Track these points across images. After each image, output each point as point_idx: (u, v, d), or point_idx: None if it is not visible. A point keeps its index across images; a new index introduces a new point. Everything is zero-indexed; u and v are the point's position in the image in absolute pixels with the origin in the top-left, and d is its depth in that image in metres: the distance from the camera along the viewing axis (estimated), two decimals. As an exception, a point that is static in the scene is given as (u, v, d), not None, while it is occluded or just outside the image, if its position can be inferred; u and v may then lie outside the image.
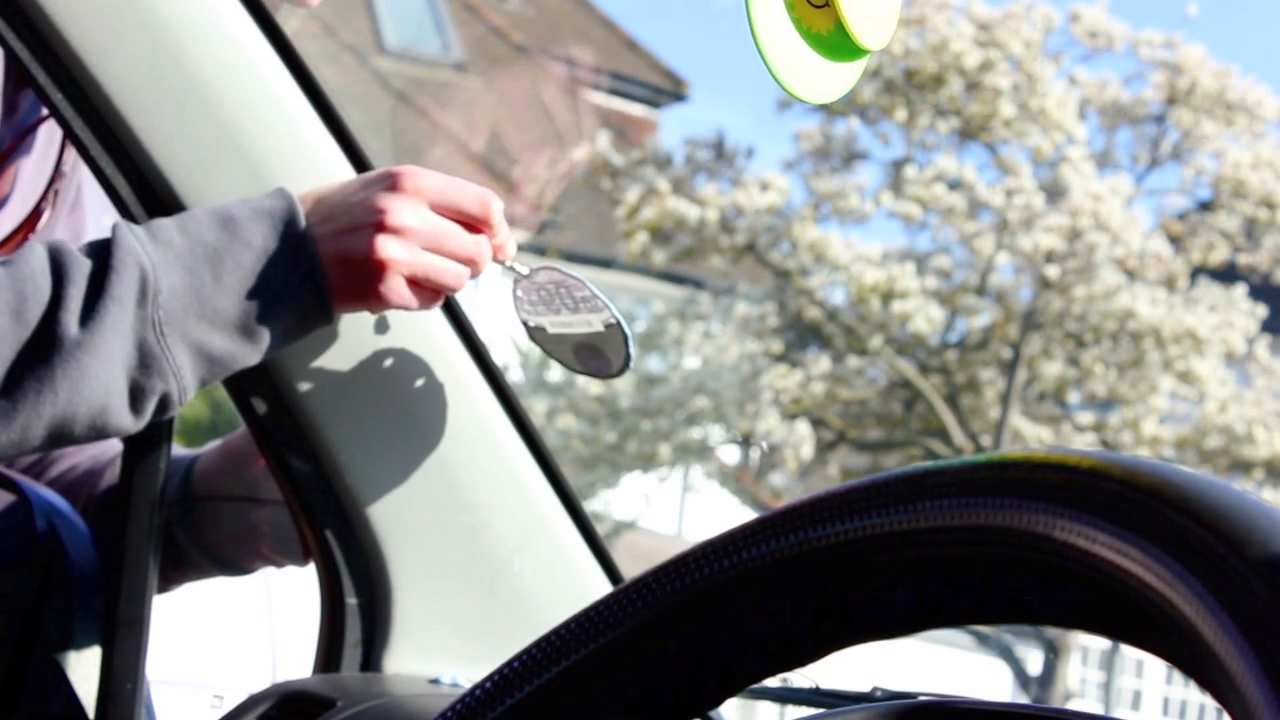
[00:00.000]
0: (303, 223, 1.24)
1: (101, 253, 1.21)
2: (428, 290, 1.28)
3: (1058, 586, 0.70)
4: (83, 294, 1.19)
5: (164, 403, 1.24)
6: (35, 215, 1.42)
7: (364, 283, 1.26)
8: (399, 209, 1.24)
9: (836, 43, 1.12)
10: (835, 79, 1.13)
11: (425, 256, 1.26)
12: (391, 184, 1.25)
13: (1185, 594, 0.61)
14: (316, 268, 1.24)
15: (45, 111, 1.37)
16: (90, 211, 1.53)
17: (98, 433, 1.23)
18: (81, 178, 1.49)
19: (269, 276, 1.23)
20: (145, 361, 1.21)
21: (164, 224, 1.24)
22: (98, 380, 1.19)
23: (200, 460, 1.53)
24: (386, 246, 1.24)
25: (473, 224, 1.28)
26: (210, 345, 1.23)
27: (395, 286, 1.26)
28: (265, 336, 1.24)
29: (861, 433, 16.52)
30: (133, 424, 1.24)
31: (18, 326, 1.18)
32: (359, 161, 1.35)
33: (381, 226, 1.24)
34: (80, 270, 1.20)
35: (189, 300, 1.21)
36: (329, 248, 1.25)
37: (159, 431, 1.31)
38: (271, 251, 1.23)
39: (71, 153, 1.43)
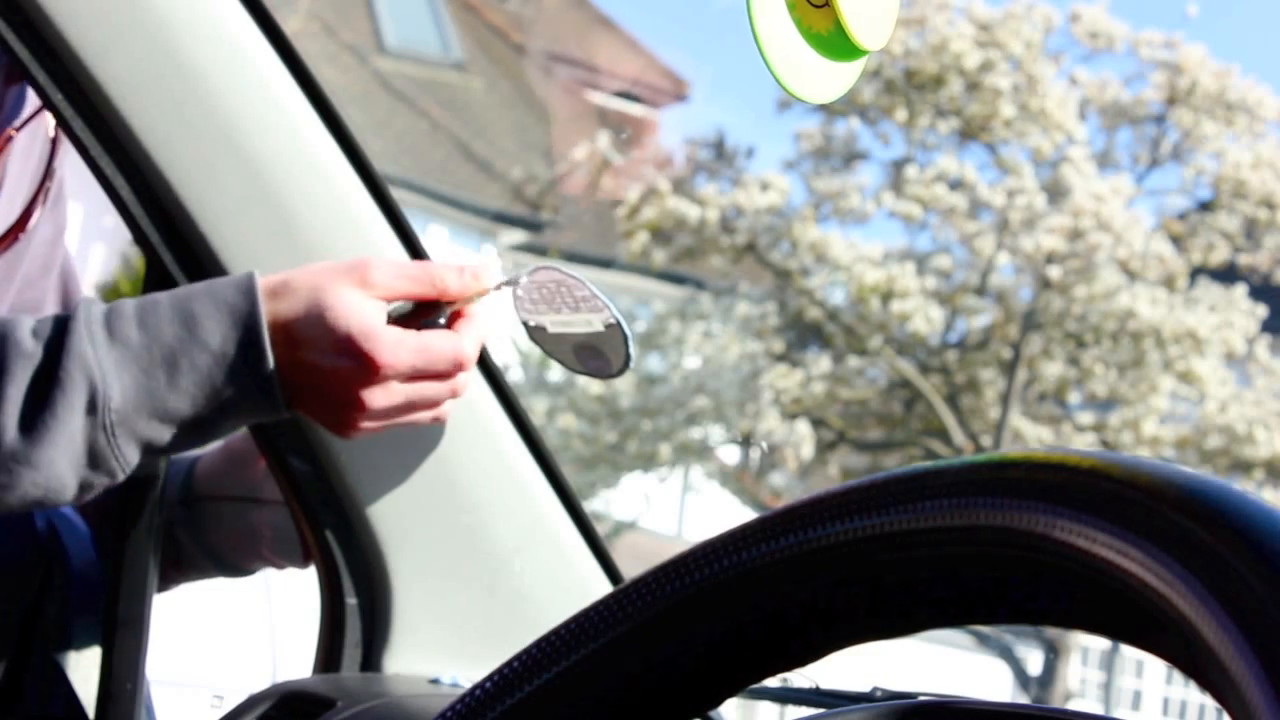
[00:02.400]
0: (263, 327, 1.20)
1: (52, 349, 1.19)
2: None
3: (1058, 586, 0.70)
4: (23, 396, 1.17)
5: (110, 483, 1.23)
6: (26, 215, 1.41)
7: (334, 430, 1.27)
8: (373, 398, 1.23)
9: (836, 43, 1.12)
10: (835, 79, 1.13)
11: (400, 418, 1.26)
12: (364, 370, 1.22)
13: (1185, 594, 0.61)
14: (271, 379, 1.21)
15: (29, 111, 1.36)
16: (69, 205, 1.51)
17: (38, 509, 1.24)
18: (64, 172, 1.47)
19: (224, 381, 1.20)
20: (94, 461, 1.20)
21: (125, 315, 1.21)
22: (35, 485, 1.18)
23: (201, 461, 1.53)
24: (362, 424, 1.25)
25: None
26: (160, 440, 1.21)
27: (363, 437, 1.28)
28: (217, 433, 1.23)
29: (861, 433, 16.53)
30: (74, 503, 1.24)
31: None
32: (359, 161, 1.35)
33: (357, 412, 1.23)
34: (24, 367, 1.18)
35: (141, 400, 1.19)
36: (300, 393, 1.23)
37: (159, 431, 1.31)
38: (230, 356, 1.20)
39: (60, 152, 1.42)
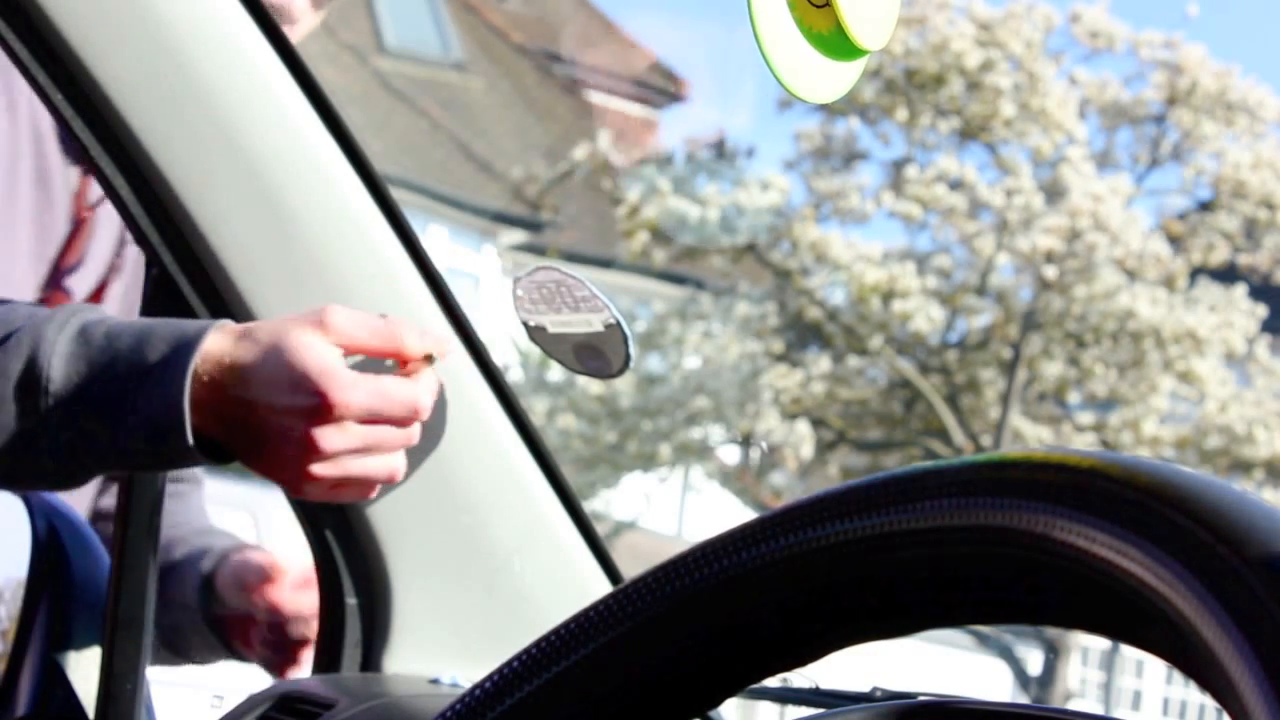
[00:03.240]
0: (193, 355, 1.19)
1: (25, 325, 1.21)
2: (355, 488, 1.26)
3: (1058, 586, 0.70)
4: None
5: (38, 478, 1.23)
6: (102, 286, 1.46)
7: (286, 482, 1.24)
8: (327, 438, 1.20)
9: (836, 42, 1.12)
10: (836, 78, 1.13)
11: (353, 468, 1.23)
12: (318, 408, 1.19)
13: (1185, 594, 0.61)
14: (179, 400, 1.18)
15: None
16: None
17: None
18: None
19: (143, 392, 1.19)
20: (24, 443, 1.20)
21: (106, 322, 1.22)
22: None
23: (221, 573, 1.57)
24: (314, 469, 1.21)
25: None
26: (87, 442, 1.20)
27: (317, 494, 1.24)
28: (132, 451, 1.21)
29: (861, 433, 16.53)
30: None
31: None
32: (359, 161, 1.35)
33: (309, 453, 1.20)
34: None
35: (79, 395, 1.19)
36: (251, 436, 1.21)
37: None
38: (155, 372, 1.19)
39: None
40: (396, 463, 1.25)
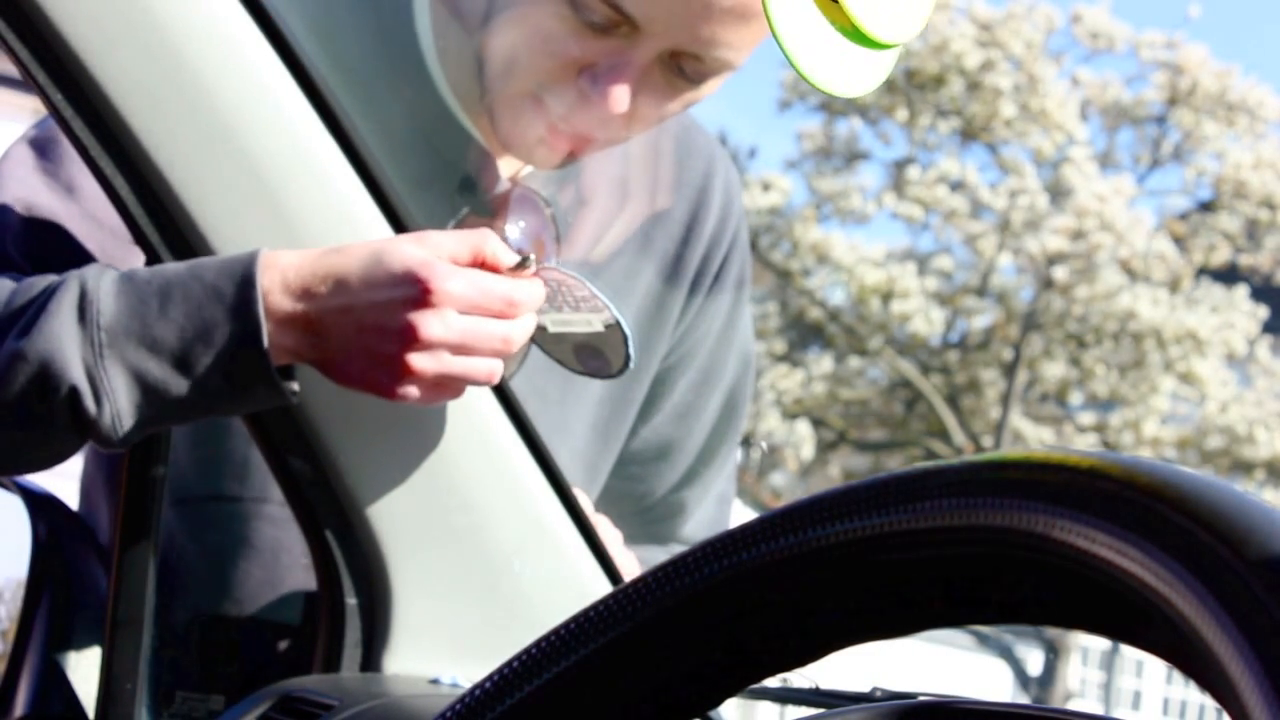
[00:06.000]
0: (258, 267, 1.21)
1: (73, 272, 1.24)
2: (451, 389, 1.28)
3: (1058, 586, 0.70)
4: (29, 302, 1.21)
5: (97, 428, 1.22)
6: None
7: (382, 384, 1.25)
8: (428, 324, 1.22)
9: (861, 34, 1.11)
10: (866, 69, 1.12)
11: (453, 363, 1.25)
12: (419, 296, 1.22)
13: (1185, 594, 0.61)
14: (255, 308, 1.21)
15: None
16: None
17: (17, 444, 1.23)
18: None
19: (210, 311, 1.21)
20: (86, 385, 1.20)
21: (145, 268, 1.25)
22: (28, 378, 1.20)
23: None
24: (414, 363, 1.23)
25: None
26: (147, 373, 1.21)
27: (416, 393, 1.26)
28: (200, 374, 1.21)
29: (862, 433, 16.54)
30: (62, 432, 1.23)
31: None
32: (359, 161, 1.35)
33: (408, 343, 1.22)
34: (35, 287, 1.22)
35: (131, 325, 1.20)
36: (349, 338, 1.23)
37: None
38: (220, 290, 1.21)
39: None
40: (494, 364, 1.27)
